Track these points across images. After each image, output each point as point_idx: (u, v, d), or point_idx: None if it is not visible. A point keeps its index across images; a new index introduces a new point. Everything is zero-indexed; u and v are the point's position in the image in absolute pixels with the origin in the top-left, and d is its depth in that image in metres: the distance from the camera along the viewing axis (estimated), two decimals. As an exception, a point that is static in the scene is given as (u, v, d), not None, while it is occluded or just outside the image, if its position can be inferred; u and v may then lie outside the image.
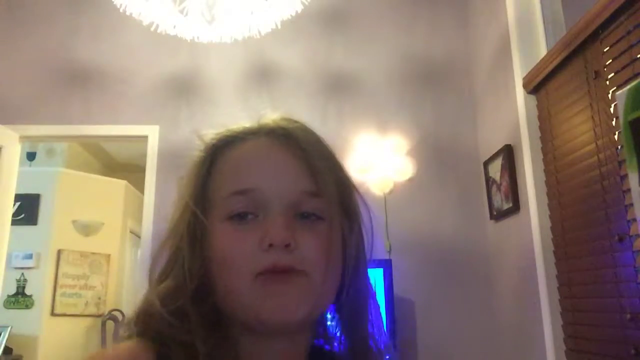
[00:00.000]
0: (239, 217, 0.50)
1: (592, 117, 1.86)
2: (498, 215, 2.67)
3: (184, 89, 3.11)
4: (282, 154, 0.53)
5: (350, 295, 0.55)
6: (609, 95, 1.75)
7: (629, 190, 1.59)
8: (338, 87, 3.12)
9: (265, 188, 0.50)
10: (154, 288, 0.51)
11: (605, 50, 1.78)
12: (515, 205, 2.43)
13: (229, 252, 0.49)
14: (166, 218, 0.55)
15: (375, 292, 0.59)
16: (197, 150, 0.57)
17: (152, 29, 2.23)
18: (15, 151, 3.01)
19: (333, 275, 0.52)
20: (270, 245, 0.48)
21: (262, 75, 3.14)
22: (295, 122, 0.58)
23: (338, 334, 0.57)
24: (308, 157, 0.53)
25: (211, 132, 0.58)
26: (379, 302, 0.60)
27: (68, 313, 4.63)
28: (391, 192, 2.94)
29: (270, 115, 0.58)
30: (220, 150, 0.55)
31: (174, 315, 0.48)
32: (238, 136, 0.56)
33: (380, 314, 0.58)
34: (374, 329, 0.57)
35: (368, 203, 0.58)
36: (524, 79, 2.36)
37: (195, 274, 0.51)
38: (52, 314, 4.53)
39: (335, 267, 0.52)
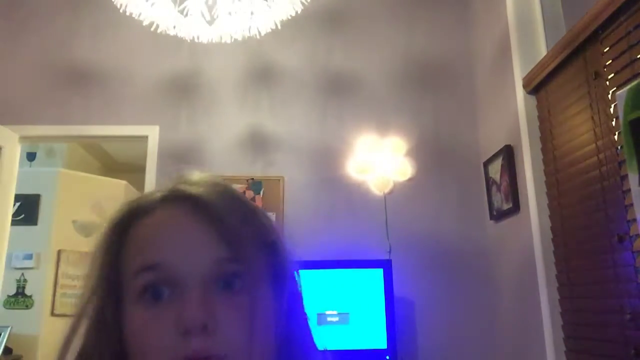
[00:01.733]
0: (152, 296, 0.45)
1: (592, 117, 1.86)
2: (498, 215, 2.67)
3: (184, 89, 3.10)
4: (191, 222, 0.48)
5: None
6: (609, 96, 1.75)
7: (629, 190, 1.59)
8: (338, 87, 3.11)
9: (175, 261, 0.46)
10: None
11: (605, 50, 1.78)
12: (515, 205, 2.43)
13: (143, 341, 0.45)
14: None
15: (323, 352, 0.55)
16: (103, 227, 0.52)
17: (152, 29, 2.23)
18: (15, 151, 3.01)
19: (261, 351, 0.46)
20: (188, 331, 0.43)
21: (262, 75, 3.14)
22: (213, 183, 0.52)
23: None
24: (221, 222, 0.48)
25: (118, 206, 0.53)
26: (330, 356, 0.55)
27: (68, 313, 4.53)
28: (391, 192, 2.94)
29: (184, 177, 0.53)
30: (127, 225, 0.51)
31: None
32: (144, 207, 0.51)
33: None
34: None
35: (288, 244, 0.54)
36: (524, 79, 2.36)
37: (110, 356, 0.48)
38: (52, 314, 4.52)
39: (263, 341, 0.47)
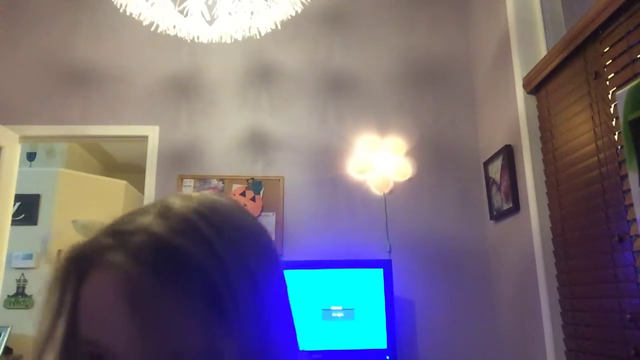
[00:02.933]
0: (94, 356, 0.42)
1: (592, 117, 1.86)
2: (498, 215, 2.67)
3: (184, 89, 3.10)
4: (127, 307, 0.41)
5: None
6: (609, 96, 1.75)
7: (629, 190, 1.59)
8: (338, 87, 3.12)
9: (105, 340, 0.41)
10: None
11: (605, 50, 1.78)
12: (515, 205, 2.43)
13: None
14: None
15: None
16: (54, 266, 0.47)
17: (152, 29, 2.23)
18: (15, 151, 3.01)
19: None
20: None
21: (262, 75, 3.14)
22: (156, 244, 0.43)
23: None
24: (186, 289, 0.41)
25: (69, 249, 0.47)
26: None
27: (68, 313, 4.63)
28: (391, 192, 2.94)
29: (137, 223, 0.45)
30: (79, 272, 0.45)
31: None
32: (87, 261, 0.45)
33: None
34: None
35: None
36: (524, 79, 2.36)
37: None
38: (52, 314, 4.53)
39: None
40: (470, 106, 3.08)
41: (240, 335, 0.42)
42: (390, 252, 2.82)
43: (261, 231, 0.50)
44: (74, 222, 4.80)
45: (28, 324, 4.32)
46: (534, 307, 2.23)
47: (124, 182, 5.28)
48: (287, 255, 2.76)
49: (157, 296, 0.41)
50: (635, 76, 1.58)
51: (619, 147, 1.68)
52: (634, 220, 1.57)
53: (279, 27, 2.28)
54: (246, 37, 2.28)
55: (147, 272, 0.41)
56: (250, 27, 2.23)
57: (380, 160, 2.95)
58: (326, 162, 2.98)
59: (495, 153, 2.65)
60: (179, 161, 2.98)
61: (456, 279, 2.82)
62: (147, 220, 0.45)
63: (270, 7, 2.19)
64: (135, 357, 0.40)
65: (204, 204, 0.48)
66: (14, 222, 3.19)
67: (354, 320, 2.49)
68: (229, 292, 0.42)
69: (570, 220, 2.03)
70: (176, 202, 0.48)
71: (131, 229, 0.45)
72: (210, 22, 2.21)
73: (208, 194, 0.51)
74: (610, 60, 1.75)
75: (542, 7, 2.40)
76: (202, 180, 2.95)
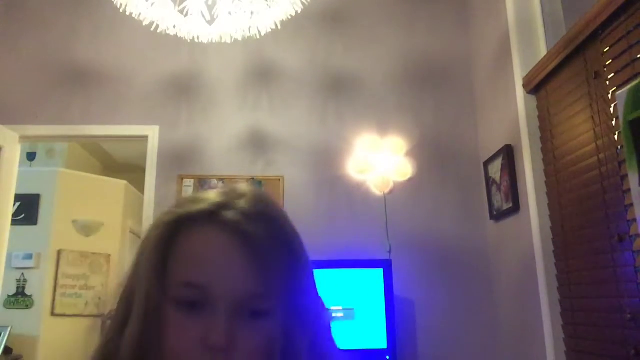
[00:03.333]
0: (187, 306, 0.52)
1: (592, 117, 1.86)
2: (498, 215, 2.67)
3: (184, 89, 3.10)
4: (233, 252, 0.53)
5: None
6: (609, 96, 1.75)
7: (629, 190, 1.59)
8: (338, 87, 3.11)
9: (213, 286, 0.51)
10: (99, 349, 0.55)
11: (605, 50, 1.78)
12: (515, 205, 2.43)
13: (173, 343, 0.51)
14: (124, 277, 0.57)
15: None
16: (153, 225, 0.57)
17: (152, 29, 2.23)
18: (15, 151, 3.01)
19: None
20: (211, 347, 0.49)
21: (262, 75, 3.14)
22: (258, 209, 0.56)
23: None
24: (261, 259, 0.52)
25: (169, 209, 0.58)
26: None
27: (68, 313, 4.62)
28: (391, 192, 2.94)
29: (235, 195, 0.57)
30: (178, 230, 0.55)
31: None
32: (196, 218, 0.55)
33: None
34: None
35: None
36: (524, 79, 2.36)
37: (136, 343, 0.53)
38: (52, 314, 4.52)
39: None
40: (470, 106, 3.08)
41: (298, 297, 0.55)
42: (390, 252, 2.82)
43: None
44: (74, 222, 4.80)
45: (28, 324, 4.32)
46: (534, 307, 2.23)
47: (124, 182, 5.28)
48: (287, 255, 2.75)
49: (262, 248, 0.53)
50: (635, 76, 1.58)
51: (619, 147, 1.68)
52: (634, 220, 1.57)
53: (279, 27, 2.28)
54: (246, 37, 2.28)
55: (256, 229, 0.53)
56: (250, 27, 2.23)
57: (380, 160, 2.95)
58: (326, 162, 2.98)
59: (495, 153, 2.65)
60: (179, 161, 2.98)
61: (456, 279, 2.82)
62: (245, 188, 0.58)
63: (270, 7, 2.19)
64: (239, 295, 0.51)
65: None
66: (14, 222, 3.19)
67: (354, 320, 2.49)
68: (301, 258, 0.57)
69: (570, 220, 2.03)
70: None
71: (235, 194, 0.57)
72: (210, 22, 2.21)
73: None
74: (610, 60, 1.75)
75: (542, 7, 2.40)
76: (202, 180, 2.95)
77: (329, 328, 0.61)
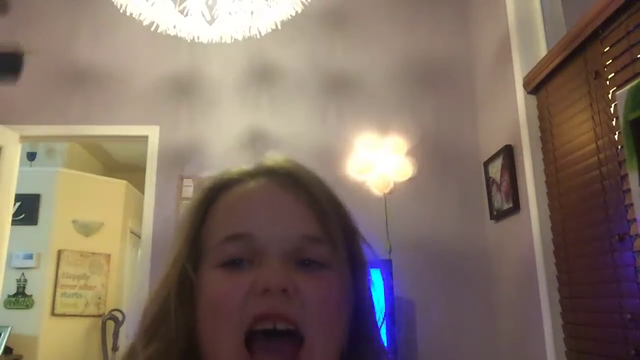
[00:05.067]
0: (232, 263, 0.45)
1: (592, 117, 1.86)
2: (498, 215, 2.67)
3: (184, 89, 3.10)
4: (281, 195, 0.48)
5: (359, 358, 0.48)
6: (609, 95, 1.75)
7: (629, 190, 1.59)
8: (338, 87, 3.11)
9: (261, 233, 0.45)
10: (143, 350, 0.46)
11: (605, 50, 1.78)
12: (515, 205, 2.43)
13: (218, 298, 0.44)
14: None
15: (387, 353, 0.53)
16: (193, 196, 0.54)
17: (152, 29, 2.23)
18: (15, 151, 3.01)
19: (337, 334, 0.46)
20: (266, 290, 0.42)
21: (262, 75, 3.14)
22: (298, 164, 0.53)
23: None
24: (312, 199, 0.47)
25: (209, 176, 0.54)
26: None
27: (68, 313, 4.63)
28: (391, 192, 2.94)
29: (271, 157, 0.54)
30: (216, 194, 0.51)
31: None
32: (235, 178, 0.52)
33: None
34: None
35: (371, 246, 0.54)
36: (524, 79, 2.36)
37: (184, 333, 0.46)
38: (52, 314, 4.53)
39: (340, 323, 0.46)
40: (470, 106, 3.08)
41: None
42: (390, 252, 2.82)
43: None
44: (74, 222, 4.81)
45: (28, 324, 4.32)
46: (534, 307, 2.23)
47: (124, 182, 5.28)
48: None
49: (315, 189, 0.49)
50: (635, 76, 1.58)
51: (619, 147, 1.68)
52: (634, 220, 1.57)
53: (279, 27, 2.28)
54: (246, 37, 2.28)
55: (306, 173, 0.50)
56: (250, 27, 2.23)
57: (380, 160, 2.95)
58: (326, 162, 2.97)
59: (496, 153, 2.65)
60: (179, 161, 2.98)
61: (456, 279, 2.82)
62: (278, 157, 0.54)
63: (270, 7, 2.19)
64: (293, 238, 0.46)
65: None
66: (14, 222, 3.19)
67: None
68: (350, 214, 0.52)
69: (571, 220, 2.02)
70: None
71: (269, 163, 0.53)
72: (210, 22, 2.21)
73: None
74: (611, 60, 1.75)
75: (542, 7, 2.40)
76: (202, 180, 2.95)
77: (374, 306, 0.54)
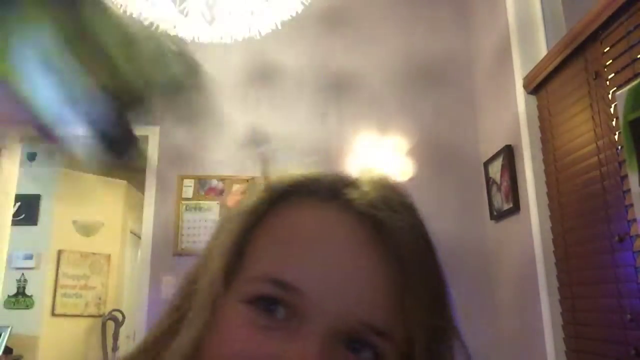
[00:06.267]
0: (266, 308, 0.35)
1: (593, 117, 1.86)
2: (498, 215, 2.67)
3: (184, 89, 3.10)
4: (363, 254, 0.36)
5: None
6: (609, 96, 1.75)
7: (629, 190, 1.59)
8: (338, 87, 3.11)
9: (315, 294, 0.34)
10: None
11: (605, 50, 1.78)
12: (516, 205, 2.43)
13: (231, 352, 0.35)
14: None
15: None
16: (258, 191, 0.41)
17: (152, 28, 2.23)
18: (15, 151, 3.01)
19: None
20: None
21: (262, 76, 3.14)
22: (397, 195, 0.41)
23: None
24: (401, 276, 0.35)
25: (282, 173, 0.43)
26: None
27: (68, 313, 4.63)
28: (391, 192, 2.94)
29: (368, 174, 0.41)
30: (285, 200, 0.39)
31: None
32: (317, 191, 0.39)
33: None
34: None
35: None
36: (524, 79, 2.36)
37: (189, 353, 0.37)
38: (53, 314, 4.53)
39: None
40: (470, 106, 3.08)
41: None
42: (390, 252, 2.82)
43: None
44: (74, 222, 4.81)
45: (28, 324, 4.32)
46: (534, 307, 2.23)
47: (124, 182, 5.28)
48: (287, 255, 2.75)
49: (369, 262, 0.36)
50: (635, 76, 1.58)
51: (619, 147, 1.68)
52: (634, 220, 1.57)
53: (279, 27, 2.28)
54: (246, 37, 2.28)
55: (397, 219, 0.37)
56: (250, 27, 2.23)
57: (380, 161, 2.95)
58: (326, 162, 2.97)
59: (496, 153, 2.65)
60: (179, 161, 2.98)
61: (456, 279, 2.77)
62: (368, 177, 0.42)
63: (270, 7, 2.19)
64: (350, 319, 0.34)
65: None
66: (14, 222, 3.19)
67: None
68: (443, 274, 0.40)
69: (571, 220, 2.02)
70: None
71: (351, 176, 0.41)
72: (210, 22, 2.21)
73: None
74: (611, 60, 1.75)
75: (542, 7, 2.40)
76: (202, 180, 2.95)
77: None
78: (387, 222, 0.36)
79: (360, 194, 0.38)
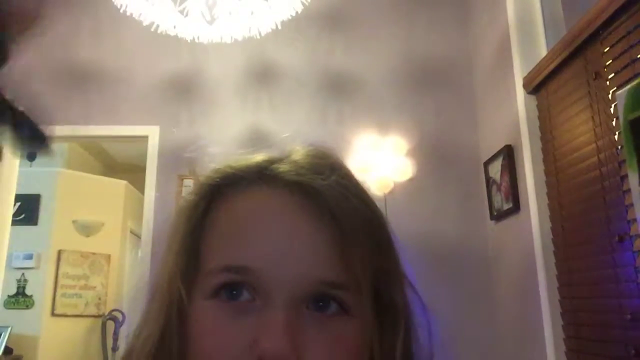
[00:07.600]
0: (229, 295, 0.37)
1: (593, 117, 1.86)
2: (498, 215, 2.67)
3: (184, 89, 3.10)
4: (300, 222, 0.37)
5: None
6: (609, 96, 1.75)
7: (629, 190, 1.59)
8: (338, 87, 3.11)
9: (268, 269, 0.36)
10: None
11: (605, 50, 1.78)
12: (515, 205, 2.43)
13: (208, 350, 0.36)
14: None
15: None
16: (189, 192, 0.43)
17: (152, 29, 2.23)
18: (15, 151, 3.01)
19: None
20: (262, 355, 0.34)
21: (262, 76, 3.14)
22: (327, 161, 0.43)
23: None
24: (339, 227, 0.37)
25: (211, 168, 0.44)
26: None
27: (68, 313, 4.63)
28: (391, 192, 2.94)
29: (295, 150, 0.43)
30: (219, 193, 0.41)
31: None
32: (245, 176, 0.41)
33: None
34: None
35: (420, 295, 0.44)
36: (524, 79, 2.36)
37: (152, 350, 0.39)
38: (53, 314, 4.53)
39: None
40: (470, 106, 3.08)
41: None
42: (390, 252, 2.82)
43: None
44: (74, 222, 4.81)
45: (28, 324, 4.32)
46: (534, 307, 2.23)
47: (124, 182, 5.28)
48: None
49: (339, 209, 0.38)
50: (635, 76, 1.58)
51: (619, 147, 1.68)
52: (634, 220, 1.57)
53: (279, 27, 2.28)
54: (246, 37, 2.28)
55: (327, 183, 0.39)
56: (250, 27, 2.23)
57: (380, 161, 2.94)
58: (326, 162, 2.98)
59: (496, 153, 2.65)
60: (179, 161, 2.98)
61: (456, 279, 2.82)
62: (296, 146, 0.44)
63: (270, 7, 2.19)
64: (306, 282, 0.36)
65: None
66: (14, 222, 3.19)
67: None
68: (387, 229, 0.43)
69: (571, 220, 2.03)
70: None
71: (286, 151, 0.44)
72: (210, 22, 2.21)
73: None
74: (611, 60, 1.75)
75: (542, 7, 2.40)
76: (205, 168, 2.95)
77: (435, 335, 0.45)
78: (314, 185, 0.38)
79: (287, 167, 0.40)
